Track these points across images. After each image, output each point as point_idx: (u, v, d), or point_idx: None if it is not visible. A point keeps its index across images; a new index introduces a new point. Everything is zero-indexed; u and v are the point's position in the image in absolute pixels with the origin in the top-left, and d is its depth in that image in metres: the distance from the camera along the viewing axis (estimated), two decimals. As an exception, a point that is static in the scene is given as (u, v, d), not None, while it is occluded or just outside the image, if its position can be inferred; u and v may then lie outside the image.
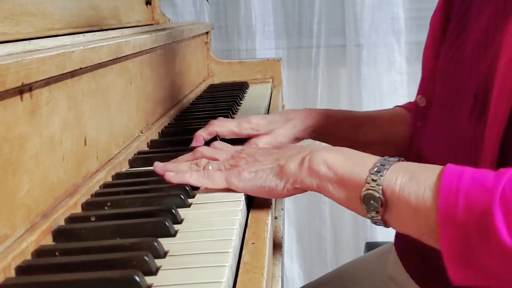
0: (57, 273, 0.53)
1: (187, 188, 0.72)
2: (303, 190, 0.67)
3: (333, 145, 1.02)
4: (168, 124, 1.14)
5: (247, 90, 1.58)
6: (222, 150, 0.79)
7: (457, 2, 0.84)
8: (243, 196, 0.70)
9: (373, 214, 0.61)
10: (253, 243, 0.60)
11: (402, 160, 0.63)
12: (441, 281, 0.77)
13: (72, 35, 0.85)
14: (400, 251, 0.90)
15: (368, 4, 2.11)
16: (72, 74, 0.72)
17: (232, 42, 2.22)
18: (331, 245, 2.30)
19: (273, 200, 0.76)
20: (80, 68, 0.72)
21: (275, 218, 0.81)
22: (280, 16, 2.21)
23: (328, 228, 2.28)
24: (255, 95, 1.51)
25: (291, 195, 0.69)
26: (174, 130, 1.09)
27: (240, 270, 0.54)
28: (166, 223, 0.61)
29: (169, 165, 0.76)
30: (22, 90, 0.59)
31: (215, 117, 1.01)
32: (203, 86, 1.62)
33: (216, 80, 1.75)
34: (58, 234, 0.62)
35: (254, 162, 0.71)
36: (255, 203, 0.72)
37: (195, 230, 0.61)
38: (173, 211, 0.64)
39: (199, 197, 0.72)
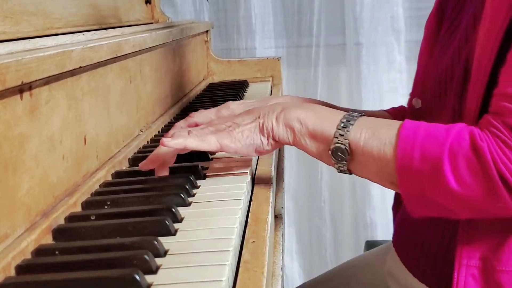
0: (57, 272, 0.53)
1: (187, 186, 0.72)
2: (281, 144, 0.75)
3: None
4: (168, 123, 1.14)
5: (247, 89, 1.58)
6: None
7: (450, 6, 0.86)
8: (243, 195, 0.70)
9: (340, 164, 0.70)
10: (253, 241, 0.60)
11: (364, 115, 0.71)
12: (438, 273, 0.79)
13: (72, 34, 0.85)
14: (398, 247, 0.91)
15: (368, 3, 2.11)
16: (72, 73, 0.72)
17: (231, 41, 2.22)
18: (331, 244, 2.30)
19: (273, 198, 0.76)
20: (80, 67, 0.72)
21: (275, 216, 0.81)
22: (279, 15, 2.21)
23: (328, 227, 2.28)
24: (255, 93, 1.50)
25: (274, 149, 0.77)
26: (174, 129, 1.08)
27: (240, 269, 0.54)
28: (166, 222, 0.61)
29: (151, 155, 0.79)
30: (22, 89, 0.59)
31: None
32: (203, 85, 1.62)
33: (216, 79, 1.75)
34: (58, 233, 0.61)
35: (234, 125, 0.75)
36: (255, 202, 0.72)
37: (195, 228, 0.61)
38: (173, 210, 0.64)
39: (199, 196, 0.72)
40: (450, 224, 0.75)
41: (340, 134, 0.69)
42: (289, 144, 0.74)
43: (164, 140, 0.74)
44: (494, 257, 0.70)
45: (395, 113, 1.02)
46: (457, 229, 0.72)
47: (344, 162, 0.70)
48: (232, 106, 0.93)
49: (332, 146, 0.69)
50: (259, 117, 0.75)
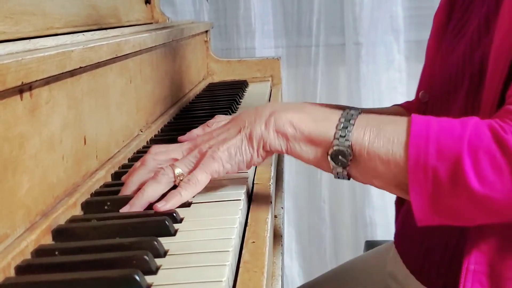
0: (57, 272, 0.52)
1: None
2: (273, 153, 0.68)
3: None
4: (168, 123, 1.14)
5: (246, 89, 1.58)
6: (169, 148, 0.74)
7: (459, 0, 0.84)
8: (243, 195, 0.70)
9: (340, 169, 0.64)
10: (253, 242, 0.60)
11: (362, 112, 0.65)
12: (441, 277, 0.78)
13: (72, 34, 0.85)
14: (400, 249, 0.90)
15: (367, 3, 2.11)
16: (72, 73, 0.72)
17: (231, 40, 2.22)
18: (331, 244, 2.30)
19: (273, 198, 0.76)
20: (80, 67, 0.72)
21: (275, 216, 0.82)
22: (279, 14, 2.21)
23: (327, 227, 2.28)
24: (255, 93, 1.51)
25: (264, 159, 0.69)
26: (173, 128, 1.09)
27: (240, 269, 0.54)
28: (166, 222, 0.61)
29: (136, 200, 0.66)
30: (22, 89, 0.59)
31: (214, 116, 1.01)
32: (203, 85, 1.62)
33: (216, 79, 1.75)
34: (58, 233, 0.61)
35: (218, 142, 0.68)
36: (255, 202, 0.72)
37: (195, 229, 0.61)
38: (173, 210, 0.64)
39: (199, 196, 0.72)
40: (457, 227, 0.70)
41: (340, 136, 0.62)
42: (281, 152, 0.67)
43: (159, 206, 0.64)
44: (503, 264, 0.64)
45: (409, 107, 1.00)
46: (464, 232, 0.68)
47: (345, 166, 0.63)
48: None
49: (331, 150, 0.63)
50: (245, 127, 0.67)
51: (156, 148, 0.74)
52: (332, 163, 0.64)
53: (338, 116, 0.64)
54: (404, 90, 2.15)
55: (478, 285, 0.65)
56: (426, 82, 0.90)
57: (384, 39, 2.14)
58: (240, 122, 0.68)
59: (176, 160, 0.71)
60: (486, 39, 0.71)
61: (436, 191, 0.58)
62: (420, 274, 0.83)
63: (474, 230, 0.66)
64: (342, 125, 0.63)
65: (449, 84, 0.79)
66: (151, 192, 0.67)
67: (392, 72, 2.17)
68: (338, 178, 0.66)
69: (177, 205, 0.66)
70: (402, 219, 0.91)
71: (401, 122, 0.61)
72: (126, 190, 0.70)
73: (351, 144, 0.62)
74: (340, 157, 0.63)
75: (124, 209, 0.66)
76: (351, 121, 0.63)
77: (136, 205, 0.66)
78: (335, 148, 0.63)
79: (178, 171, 0.68)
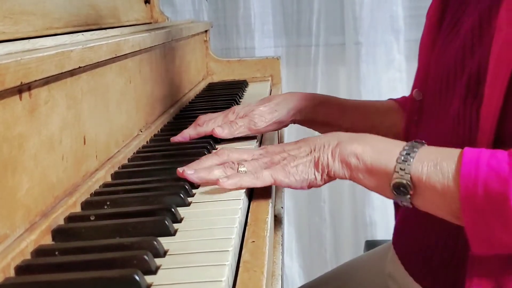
0: (56, 272, 0.53)
1: (187, 186, 0.72)
2: (335, 179, 0.72)
3: (319, 132, 1.05)
4: (168, 122, 1.14)
5: (246, 89, 1.58)
6: (241, 150, 0.79)
7: None
8: (243, 195, 0.70)
9: (403, 199, 0.66)
10: (253, 241, 0.60)
11: (424, 143, 0.67)
12: (439, 279, 0.77)
13: (71, 34, 0.85)
14: (399, 250, 0.90)
15: (367, 3, 2.11)
16: (71, 73, 0.72)
17: (231, 40, 2.22)
18: (331, 244, 2.30)
19: (273, 198, 0.76)
20: (79, 67, 0.72)
21: (275, 216, 0.81)
22: (279, 14, 2.21)
23: (327, 227, 2.28)
24: (254, 93, 1.50)
25: (326, 183, 0.73)
26: (173, 128, 1.08)
27: (240, 269, 0.54)
28: (166, 222, 0.61)
29: (202, 172, 0.74)
30: (21, 89, 0.59)
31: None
32: (202, 85, 1.62)
33: (216, 79, 1.75)
34: (58, 233, 0.61)
35: (289, 157, 0.73)
36: (255, 201, 0.72)
37: (195, 229, 0.61)
38: (173, 210, 0.64)
39: (198, 196, 0.72)
40: (454, 231, 0.72)
41: (400, 169, 0.65)
42: (344, 179, 0.71)
43: (221, 181, 0.71)
44: (509, 285, 0.65)
45: (404, 103, 1.01)
46: (462, 233, 0.67)
47: (408, 196, 0.66)
48: (240, 111, 0.97)
49: (393, 182, 0.66)
50: (314, 150, 0.72)
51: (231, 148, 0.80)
52: (394, 193, 0.67)
53: (399, 149, 0.67)
54: (404, 90, 2.15)
55: None
56: (421, 80, 0.90)
57: (384, 39, 2.14)
58: (311, 144, 0.73)
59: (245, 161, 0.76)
60: (480, 48, 0.71)
61: (488, 228, 0.61)
62: (418, 275, 0.83)
63: (474, 259, 0.66)
64: (402, 158, 0.66)
65: (441, 87, 0.79)
66: (217, 173, 0.73)
67: (392, 72, 2.17)
68: (404, 206, 0.68)
69: (235, 187, 0.71)
70: (400, 219, 0.91)
71: (455, 157, 0.64)
72: (203, 171, 0.75)
73: (410, 176, 0.65)
74: (401, 188, 0.66)
75: (184, 169, 0.74)
76: (412, 155, 0.66)
77: (198, 171, 0.74)
78: (395, 180, 0.66)
79: (243, 169, 0.74)
